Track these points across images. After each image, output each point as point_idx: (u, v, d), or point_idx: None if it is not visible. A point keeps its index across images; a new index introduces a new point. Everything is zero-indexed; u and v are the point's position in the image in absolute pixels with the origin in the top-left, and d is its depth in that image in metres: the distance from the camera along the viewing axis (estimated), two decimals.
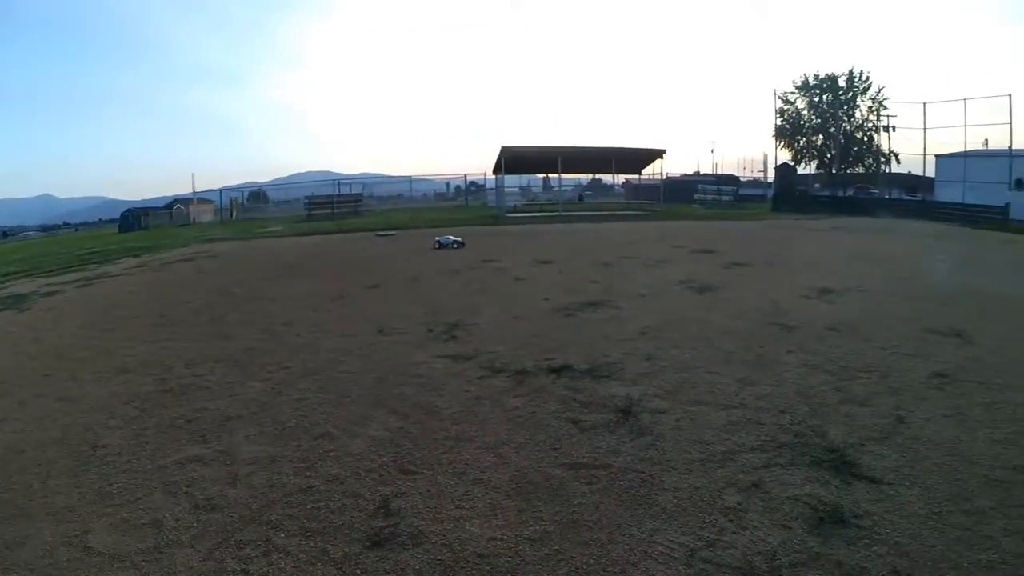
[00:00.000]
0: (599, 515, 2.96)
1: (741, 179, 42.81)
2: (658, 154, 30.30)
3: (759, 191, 37.53)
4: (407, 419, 4.16)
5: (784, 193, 32.30)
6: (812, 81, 40.55)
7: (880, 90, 38.43)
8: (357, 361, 5.57)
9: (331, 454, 3.64)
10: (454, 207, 34.78)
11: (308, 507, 3.04)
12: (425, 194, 44.28)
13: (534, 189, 43.76)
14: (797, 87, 40.97)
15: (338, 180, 39.21)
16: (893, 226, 22.43)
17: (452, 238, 15.90)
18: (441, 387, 4.80)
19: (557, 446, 3.70)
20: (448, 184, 46.46)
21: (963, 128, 28.63)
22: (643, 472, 3.43)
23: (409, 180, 43.33)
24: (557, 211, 26.76)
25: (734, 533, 2.89)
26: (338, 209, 30.67)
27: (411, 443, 3.77)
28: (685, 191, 36.25)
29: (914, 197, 31.84)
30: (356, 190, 37.34)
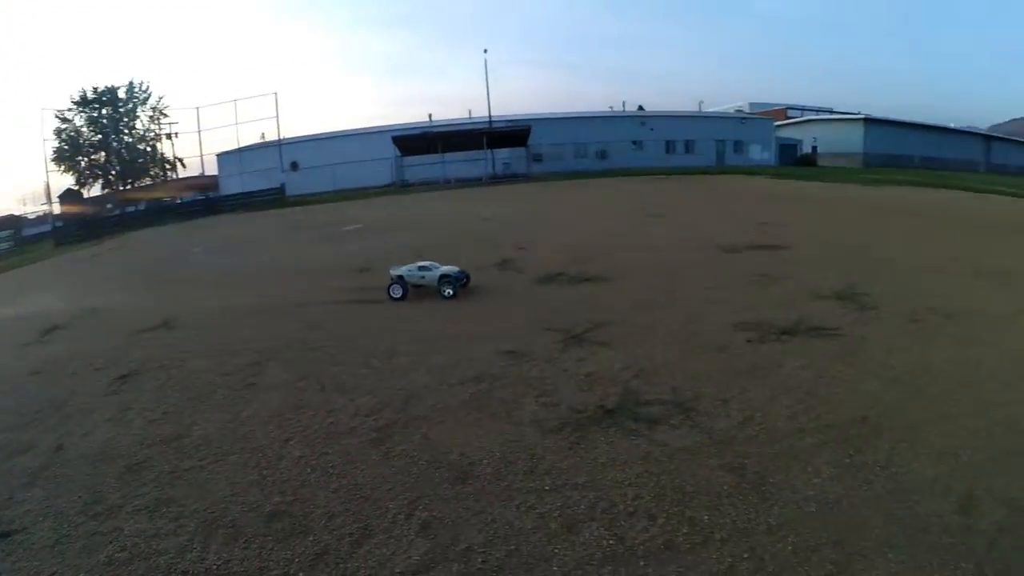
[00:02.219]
0: None
1: (28, 217, 39.59)
2: None
3: (48, 227, 35.84)
4: None
5: (72, 223, 32.28)
6: (91, 95, 39.83)
7: (160, 99, 41.22)
8: None
9: None
10: None
11: None
12: None
13: None
14: (76, 103, 39.65)
15: None
16: (175, 231, 25.22)
17: (449, 270, 9.44)
18: None
19: None
20: None
21: (235, 126, 35.09)
22: None
23: None
24: None
25: None
26: None
27: None
28: None
29: (205, 196, 36.77)
30: None
